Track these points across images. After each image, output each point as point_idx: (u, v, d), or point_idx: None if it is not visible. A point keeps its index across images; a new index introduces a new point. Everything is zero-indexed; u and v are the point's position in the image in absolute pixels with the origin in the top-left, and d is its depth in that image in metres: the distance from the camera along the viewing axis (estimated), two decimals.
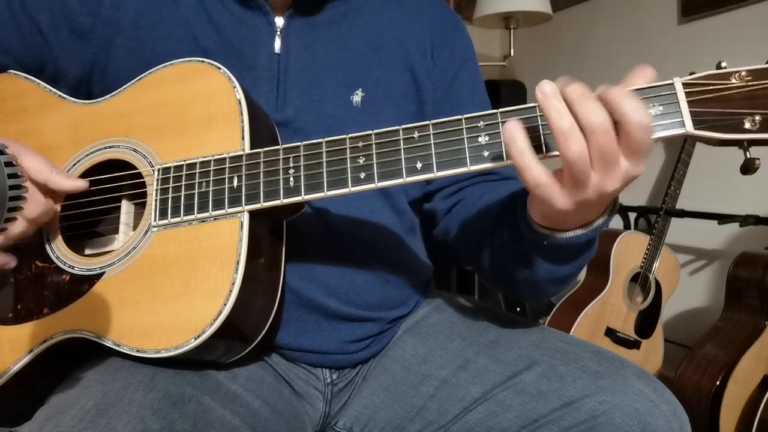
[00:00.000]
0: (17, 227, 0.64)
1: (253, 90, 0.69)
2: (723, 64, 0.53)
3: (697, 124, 0.52)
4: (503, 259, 0.68)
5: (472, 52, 0.89)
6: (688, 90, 0.53)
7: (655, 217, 1.83)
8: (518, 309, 2.15)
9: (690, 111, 0.52)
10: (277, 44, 0.75)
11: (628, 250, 1.78)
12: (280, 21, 0.76)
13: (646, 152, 0.50)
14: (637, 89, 0.54)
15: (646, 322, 1.82)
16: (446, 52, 0.84)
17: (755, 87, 0.51)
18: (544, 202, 0.54)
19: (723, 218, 1.71)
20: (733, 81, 0.52)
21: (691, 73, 0.54)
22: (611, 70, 2.34)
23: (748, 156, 0.52)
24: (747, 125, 0.51)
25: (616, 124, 0.50)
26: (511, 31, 2.33)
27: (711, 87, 0.52)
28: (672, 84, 0.53)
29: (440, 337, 0.77)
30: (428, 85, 0.82)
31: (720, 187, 1.91)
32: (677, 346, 1.92)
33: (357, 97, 0.77)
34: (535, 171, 0.51)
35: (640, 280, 1.80)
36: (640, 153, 0.50)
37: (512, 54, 2.37)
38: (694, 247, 2.03)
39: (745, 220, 1.66)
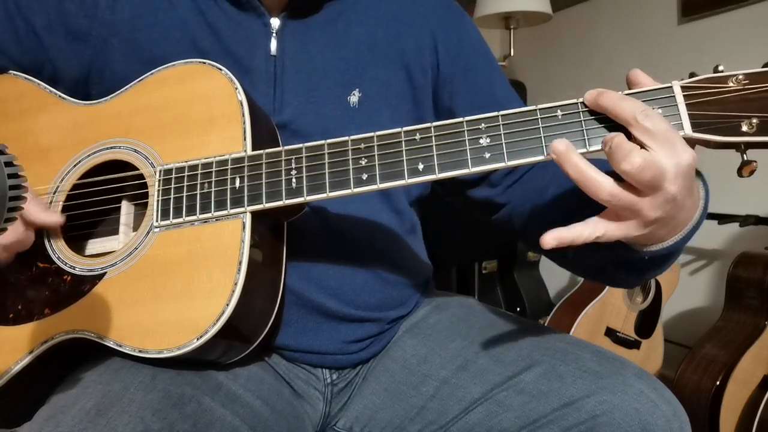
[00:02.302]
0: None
1: (251, 92, 0.69)
2: (720, 68, 0.54)
3: (696, 126, 0.53)
4: (595, 260, 0.66)
5: (478, 34, 0.87)
6: (686, 93, 0.53)
7: None
8: (518, 309, 2.15)
9: (688, 114, 0.53)
10: (273, 46, 0.75)
11: None
12: (275, 22, 0.75)
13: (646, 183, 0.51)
14: (637, 92, 0.54)
15: (646, 322, 1.82)
16: (453, 40, 0.82)
17: (752, 90, 0.52)
18: (630, 213, 0.53)
19: (723, 218, 1.71)
20: (731, 84, 0.52)
21: (691, 74, 0.54)
22: (611, 70, 2.34)
23: (745, 158, 0.53)
24: (744, 128, 0.52)
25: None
26: (511, 31, 2.33)
27: (709, 90, 0.53)
28: (671, 87, 0.54)
29: (440, 338, 0.77)
30: (424, 83, 0.81)
31: (720, 187, 1.90)
32: (677, 346, 1.92)
33: (354, 98, 0.76)
34: (608, 186, 0.52)
35: None
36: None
37: (512, 54, 2.37)
38: (694, 247, 2.03)
39: (745, 220, 1.66)
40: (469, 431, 0.68)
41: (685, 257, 2.03)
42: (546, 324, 1.80)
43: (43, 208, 0.66)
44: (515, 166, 0.57)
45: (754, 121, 0.51)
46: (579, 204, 0.65)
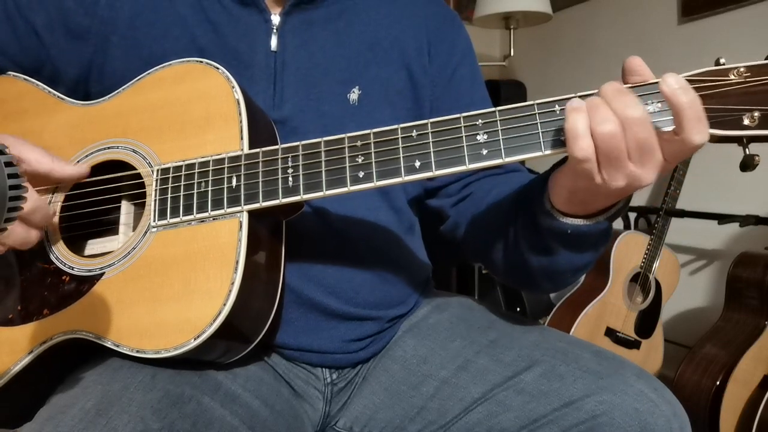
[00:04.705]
0: (18, 233, 0.61)
1: (250, 88, 0.69)
2: (722, 61, 0.53)
3: None
4: (519, 253, 0.67)
5: (470, 47, 0.89)
6: None
7: (655, 217, 1.83)
8: (518, 309, 2.15)
9: None
10: (274, 42, 0.75)
11: (628, 250, 1.78)
12: (276, 19, 0.76)
13: (649, 149, 0.51)
14: (638, 85, 0.54)
15: (646, 322, 1.82)
16: (444, 48, 0.84)
17: (754, 83, 0.51)
18: (580, 178, 0.54)
19: (723, 218, 1.71)
20: (732, 77, 0.52)
21: None
22: (611, 70, 2.33)
23: (748, 152, 0.52)
24: (746, 121, 0.51)
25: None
26: (511, 31, 2.33)
27: (709, 83, 0.52)
28: None
29: (440, 338, 0.77)
30: (425, 82, 0.82)
31: (720, 187, 1.91)
32: (677, 346, 1.92)
33: (354, 95, 0.77)
34: (587, 141, 0.51)
35: (640, 280, 1.80)
36: (643, 150, 0.51)
37: (512, 54, 2.37)
38: (694, 247, 2.03)
39: (745, 220, 1.66)
40: (469, 431, 0.68)
41: (685, 257, 2.03)
42: (546, 324, 1.80)
43: (66, 163, 0.66)
44: (511, 162, 0.57)
45: (756, 114, 0.50)
46: (514, 199, 0.68)
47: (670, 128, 0.51)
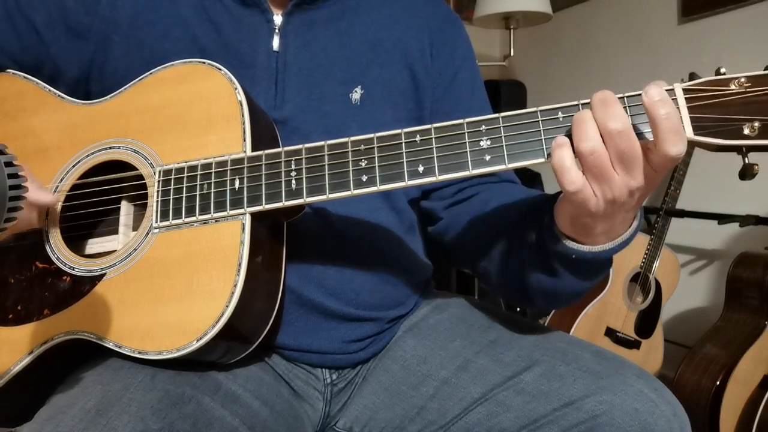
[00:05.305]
0: None
1: (252, 88, 0.69)
2: (722, 70, 0.53)
3: (697, 129, 0.52)
4: (520, 268, 0.68)
5: (471, 49, 0.89)
6: (688, 96, 0.53)
7: (655, 217, 1.83)
8: (518, 309, 2.15)
9: (690, 117, 0.53)
10: (276, 42, 0.75)
11: (628, 250, 1.77)
12: (278, 19, 0.76)
13: (631, 157, 0.52)
14: (638, 94, 0.54)
15: (646, 322, 1.82)
16: (445, 50, 0.84)
17: (754, 93, 0.51)
18: (578, 206, 0.55)
19: (723, 218, 1.71)
20: (733, 87, 0.52)
21: (691, 75, 0.54)
22: (611, 70, 2.34)
23: (747, 161, 0.52)
24: (746, 131, 0.51)
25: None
26: (511, 31, 2.33)
27: (711, 93, 0.52)
28: (672, 90, 0.53)
29: (440, 338, 0.77)
30: (427, 83, 0.82)
31: (720, 187, 1.91)
32: (677, 346, 1.92)
33: (356, 95, 0.77)
34: (574, 173, 0.52)
35: (640, 280, 1.80)
36: (624, 159, 0.52)
37: (512, 54, 2.37)
38: (694, 247, 2.03)
39: (745, 220, 1.66)
40: (469, 431, 0.68)
41: (685, 257, 2.03)
42: (546, 324, 1.80)
43: (38, 186, 0.66)
44: (514, 168, 0.57)
45: (756, 124, 0.51)
46: (520, 214, 0.68)
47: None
